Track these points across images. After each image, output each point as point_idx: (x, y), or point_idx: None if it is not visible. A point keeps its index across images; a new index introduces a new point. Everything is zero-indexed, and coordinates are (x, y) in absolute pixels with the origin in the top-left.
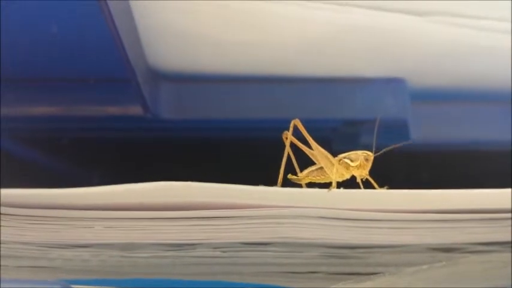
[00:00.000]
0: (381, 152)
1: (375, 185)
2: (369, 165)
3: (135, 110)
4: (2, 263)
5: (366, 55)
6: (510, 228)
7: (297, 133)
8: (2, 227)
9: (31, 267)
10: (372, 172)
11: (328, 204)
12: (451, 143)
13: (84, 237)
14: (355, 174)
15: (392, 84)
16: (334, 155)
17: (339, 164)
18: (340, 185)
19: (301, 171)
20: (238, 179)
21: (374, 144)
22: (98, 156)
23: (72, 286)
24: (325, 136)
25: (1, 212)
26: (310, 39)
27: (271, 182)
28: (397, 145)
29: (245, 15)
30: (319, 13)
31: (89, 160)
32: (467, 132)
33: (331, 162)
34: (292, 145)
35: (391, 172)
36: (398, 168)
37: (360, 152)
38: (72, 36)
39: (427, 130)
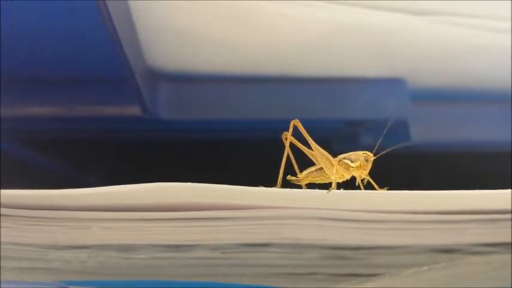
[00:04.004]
0: (380, 154)
1: (375, 185)
2: (369, 165)
3: (134, 110)
4: (1, 264)
5: (366, 55)
6: (510, 229)
7: (296, 133)
8: (1, 228)
9: (29, 268)
10: (372, 173)
11: (328, 205)
12: (451, 143)
13: (82, 238)
14: (355, 175)
15: (393, 84)
16: (334, 155)
17: (339, 164)
18: (340, 185)
19: (300, 172)
20: (238, 179)
21: (376, 146)
22: (96, 157)
23: (70, 287)
24: (325, 136)
25: (1, 213)
26: (310, 39)
27: (270, 182)
28: (397, 146)
29: (245, 15)
30: (319, 13)
31: (87, 161)
32: (468, 132)
33: (331, 162)
34: (292, 145)
35: (391, 173)
36: (399, 169)
37: (360, 153)
38: (71, 37)
39: (427, 130)
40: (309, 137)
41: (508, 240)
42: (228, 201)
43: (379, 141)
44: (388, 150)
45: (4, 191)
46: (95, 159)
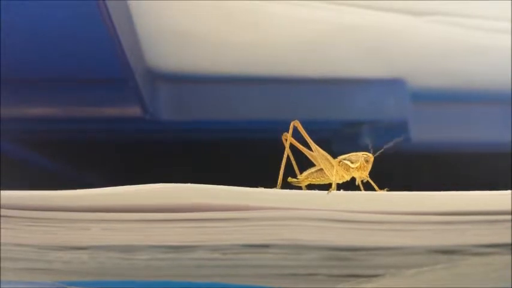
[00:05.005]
0: (380, 151)
1: (375, 186)
2: (369, 166)
3: (134, 110)
4: (1, 265)
5: (366, 56)
6: (510, 230)
7: (296, 134)
8: (1, 229)
9: (29, 269)
10: (372, 173)
11: (328, 206)
12: (451, 143)
13: (82, 239)
14: (355, 176)
15: (392, 84)
16: (334, 156)
17: (339, 165)
18: (340, 186)
19: (300, 172)
20: (238, 180)
21: (372, 148)
22: (96, 158)
23: None
24: (325, 137)
25: (1, 214)
26: (310, 39)
27: (270, 183)
28: (396, 141)
29: (245, 15)
30: (319, 13)
31: (87, 161)
32: (467, 133)
33: (331, 163)
34: (292, 146)
35: (391, 173)
36: (399, 169)
37: (360, 154)
38: (71, 37)
39: (427, 130)
40: (309, 138)
41: (508, 241)
42: (228, 202)
43: (371, 145)
44: (387, 146)
45: (4, 192)
46: (94, 160)
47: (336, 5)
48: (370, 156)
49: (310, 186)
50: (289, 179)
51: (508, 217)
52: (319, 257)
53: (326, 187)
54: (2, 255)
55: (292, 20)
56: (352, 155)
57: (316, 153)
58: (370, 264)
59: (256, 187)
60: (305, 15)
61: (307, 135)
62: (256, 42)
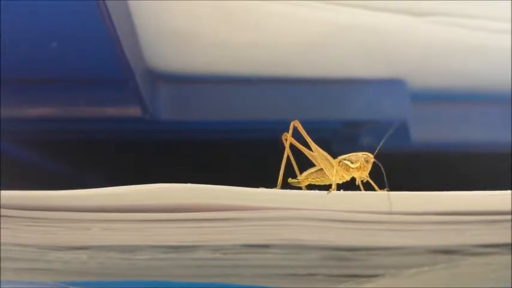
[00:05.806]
0: (377, 149)
1: (375, 186)
2: (369, 166)
3: (134, 111)
4: (1, 265)
5: (366, 56)
6: (510, 230)
7: (296, 134)
8: (1, 229)
9: (29, 269)
10: (372, 174)
11: (328, 206)
12: (451, 143)
13: (82, 239)
14: (355, 176)
15: (392, 85)
16: (334, 156)
17: (339, 165)
18: (340, 186)
19: (300, 173)
20: (238, 180)
21: (377, 151)
22: (96, 158)
23: None
24: (325, 137)
25: (1, 214)
26: (310, 40)
27: (271, 183)
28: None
29: (244, 16)
30: (319, 13)
31: (87, 161)
32: (467, 133)
33: (331, 163)
34: (292, 146)
35: (391, 173)
36: (399, 169)
37: (360, 154)
38: (71, 38)
39: (427, 130)
40: (309, 138)
41: (508, 241)
42: (228, 202)
43: (379, 145)
44: (382, 142)
45: (4, 192)
46: (95, 160)
47: (335, 5)
48: (370, 157)
49: (310, 187)
50: (289, 179)
51: (508, 217)
52: (319, 257)
53: (326, 187)
54: (2, 255)
55: (292, 20)
56: (352, 155)
57: (316, 153)
58: (370, 264)
59: (257, 187)
60: (305, 15)
61: (307, 135)
62: (256, 42)
